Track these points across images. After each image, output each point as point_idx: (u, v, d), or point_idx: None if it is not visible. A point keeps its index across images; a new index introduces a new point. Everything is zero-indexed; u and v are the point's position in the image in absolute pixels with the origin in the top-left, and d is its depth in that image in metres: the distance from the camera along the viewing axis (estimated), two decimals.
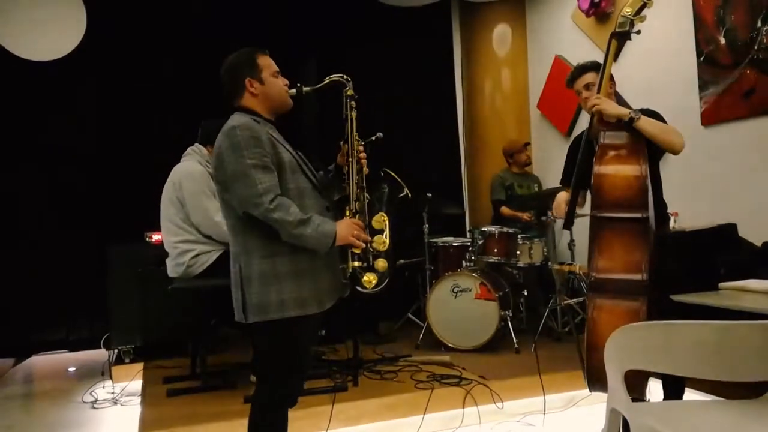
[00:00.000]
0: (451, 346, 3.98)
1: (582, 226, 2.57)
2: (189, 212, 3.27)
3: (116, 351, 4.15)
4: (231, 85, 2.16)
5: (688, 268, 2.83)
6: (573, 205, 2.53)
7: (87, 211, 4.90)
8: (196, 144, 3.50)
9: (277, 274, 2.01)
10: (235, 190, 2.00)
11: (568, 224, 2.58)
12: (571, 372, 3.27)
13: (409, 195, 2.52)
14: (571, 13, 5.17)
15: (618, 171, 2.37)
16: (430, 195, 4.46)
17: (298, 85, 2.24)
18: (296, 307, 2.02)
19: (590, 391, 2.28)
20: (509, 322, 3.98)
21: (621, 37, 2.53)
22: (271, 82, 2.16)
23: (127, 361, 4.10)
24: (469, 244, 4.42)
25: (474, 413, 3.09)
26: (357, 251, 2.12)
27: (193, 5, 5.08)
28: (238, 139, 1.99)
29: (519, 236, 4.27)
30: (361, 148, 2.28)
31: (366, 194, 2.25)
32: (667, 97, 4.07)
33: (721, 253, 3.08)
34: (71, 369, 4.56)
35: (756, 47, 3.55)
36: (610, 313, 2.24)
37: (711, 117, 3.88)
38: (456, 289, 4.01)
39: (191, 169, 3.35)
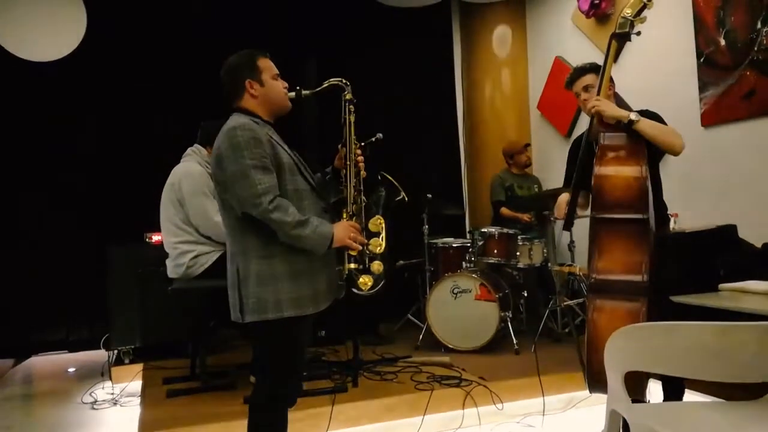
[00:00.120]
0: (451, 347, 3.98)
1: (582, 227, 2.57)
2: (188, 213, 3.28)
3: (116, 351, 4.14)
4: (231, 86, 2.18)
5: (688, 269, 2.83)
6: (573, 206, 2.53)
7: (87, 212, 4.90)
8: (195, 145, 3.50)
9: (274, 275, 2.03)
10: (234, 190, 2.01)
11: (568, 225, 2.58)
12: (571, 373, 3.28)
13: (406, 199, 2.54)
14: (572, 15, 5.18)
15: (618, 172, 2.37)
16: (430, 196, 4.47)
17: (297, 88, 2.26)
18: (293, 307, 2.03)
19: (590, 392, 2.27)
20: (509, 323, 3.98)
21: (621, 39, 2.53)
22: (271, 85, 2.18)
23: (126, 361, 4.09)
24: (469, 245, 4.42)
25: (474, 414, 3.09)
26: (353, 253, 2.15)
27: (193, 5, 5.08)
28: (239, 139, 2.00)
29: (519, 237, 4.27)
30: (359, 151, 2.30)
31: (363, 197, 2.27)
32: (666, 98, 4.07)
33: (721, 254, 3.07)
34: (71, 369, 4.55)
35: (756, 48, 3.56)
36: (610, 314, 2.24)
37: (711, 118, 3.88)
38: (456, 290, 4.01)
39: (191, 170, 3.36)
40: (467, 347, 3.94)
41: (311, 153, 3.68)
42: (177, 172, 3.40)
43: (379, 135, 2.64)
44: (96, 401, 3.69)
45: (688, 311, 2.14)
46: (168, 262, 3.37)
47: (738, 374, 1.63)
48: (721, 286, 2.47)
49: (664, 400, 2.56)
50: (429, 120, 5.80)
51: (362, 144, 2.38)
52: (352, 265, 2.15)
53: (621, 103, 2.94)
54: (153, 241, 4.12)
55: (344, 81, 2.31)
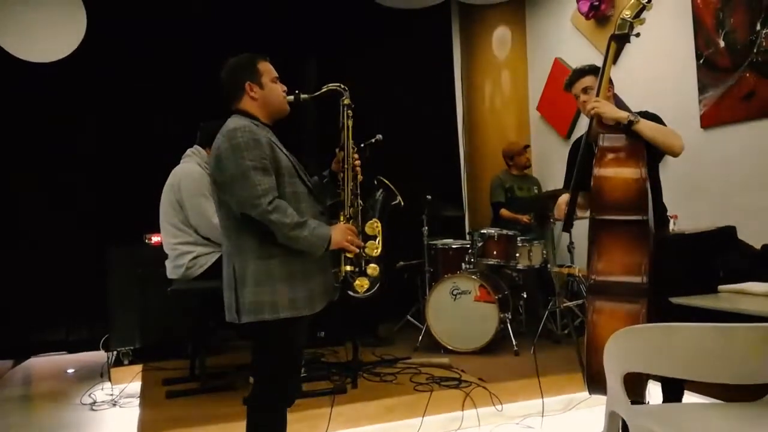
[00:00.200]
0: (451, 348, 3.98)
1: (582, 228, 2.57)
2: (188, 214, 3.28)
3: (115, 352, 4.14)
4: (231, 88, 2.19)
5: (688, 270, 2.82)
6: (572, 207, 2.53)
7: (87, 212, 4.90)
8: (195, 146, 3.51)
9: (271, 276, 2.04)
10: (234, 191, 2.02)
11: (567, 226, 2.58)
12: (571, 374, 3.28)
13: (402, 203, 2.56)
14: (571, 16, 5.18)
15: (617, 173, 2.37)
16: (429, 197, 4.46)
17: (296, 92, 2.28)
18: (289, 308, 2.05)
19: (589, 393, 2.27)
20: (508, 325, 3.98)
21: (620, 40, 2.53)
22: (270, 88, 2.20)
23: (126, 362, 4.09)
24: (468, 246, 4.42)
25: (473, 415, 3.09)
26: (350, 256, 2.17)
27: (193, 6, 5.08)
28: (239, 140, 2.02)
29: (518, 238, 4.27)
30: (357, 155, 2.31)
31: (360, 201, 2.29)
32: (666, 99, 4.07)
33: (720, 255, 3.07)
34: (70, 370, 4.55)
35: (755, 50, 3.56)
36: (610, 315, 2.24)
37: (710, 120, 3.88)
38: (455, 292, 4.01)
39: (190, 171, 3.36)
40: (467, 348, 3.94)
41: (310, 157, 3.69)
42: (177, 173, 3.40)
43: (379, 136, 2.65)
44: (95, 402, 3.68)
45: (687, 313, 2.14)
46: (167, 263, 3.37)
47: (737, 376, 1.63)
48: (721, 287, 2.47)
49: (663, 402, 2.56)
50: (429, 121, 5.79)
51: (362, 145, 2.39)
52: (349, 268, 2.18)
53: (620, 104, 2.93)
54: (152, 242, 4.12)
55: (342, 86, 2.33)
